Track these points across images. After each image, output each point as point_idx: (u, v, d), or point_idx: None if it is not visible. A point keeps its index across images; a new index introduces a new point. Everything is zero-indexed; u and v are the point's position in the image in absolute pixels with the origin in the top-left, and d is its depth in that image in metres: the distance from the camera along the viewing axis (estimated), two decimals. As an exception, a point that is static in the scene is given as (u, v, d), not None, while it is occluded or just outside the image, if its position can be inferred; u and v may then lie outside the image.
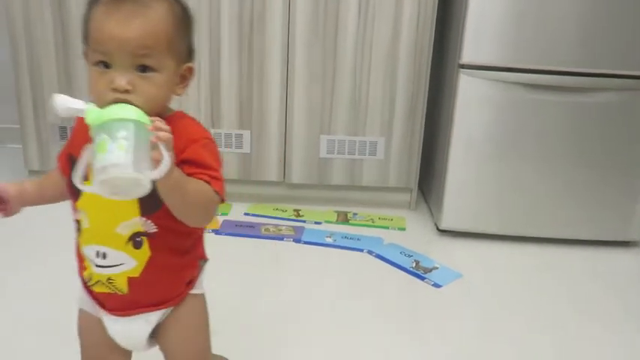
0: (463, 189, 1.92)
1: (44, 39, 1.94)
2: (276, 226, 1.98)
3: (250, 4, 1.91)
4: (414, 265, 1.78)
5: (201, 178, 0.83)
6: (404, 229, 2.02)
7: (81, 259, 0.91)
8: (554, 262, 1.87)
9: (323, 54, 1.97)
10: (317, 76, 1.99)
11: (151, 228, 0.85)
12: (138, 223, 0.84)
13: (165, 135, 0.74)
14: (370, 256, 1.83)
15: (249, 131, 2.05)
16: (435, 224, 2.03)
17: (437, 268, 1.77)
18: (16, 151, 2.45)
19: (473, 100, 1.84)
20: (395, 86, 2.01)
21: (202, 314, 0.98)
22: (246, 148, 2.07)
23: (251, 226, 1.97)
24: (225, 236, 1.88)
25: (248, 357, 1.33)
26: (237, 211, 2.05)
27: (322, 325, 1.48)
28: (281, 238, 1.89)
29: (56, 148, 2.05)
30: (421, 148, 2.09)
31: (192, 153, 0.84)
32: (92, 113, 0.75)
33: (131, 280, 0.87)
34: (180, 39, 0.85)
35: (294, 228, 1.97)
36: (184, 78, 0.88)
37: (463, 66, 1.81)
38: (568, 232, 1.96)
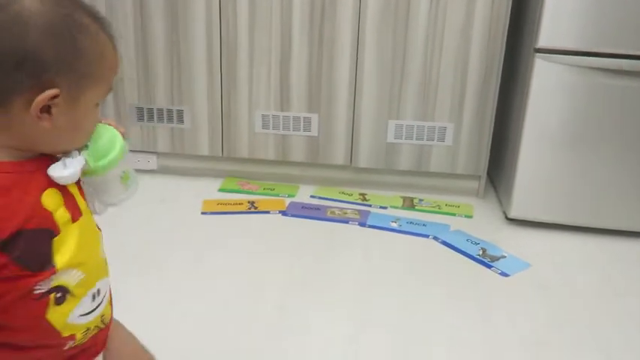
0: (534, 177, 1.87)
1: (124, 22, 2.02)
2: (341, 209, 1.99)
3: (322, -13, 1.92)
4: (480, 252, 1.75)
5: None
6: (471, 217, 1.99)
7: (59, 334, 0.71)
8: (627, 255, 1.79)
9: (393, 38, 1.95)
10: (387, 60, 1.98)
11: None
12: (100, 236, 0.78)
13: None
14: (436, 243, 1.81)
15: (317, 114, 2.06)
16: (504, 212, 1.99)
17: (504, 256, 1.74)
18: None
19: (548, 85, 1.78)
20: (466, 71, 1.97)
21: None
22: (314, 131, 2.09)
23: (317, 208, 1.99)
24: (291, 217, 1.92)
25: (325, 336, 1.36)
26: (303, 194, 2.08)
27: (389, 309, 1.48)
28: (346, 221, 1.91)
29: (134, 128, 2.14)
30: (491, 134, 2.05)
31: None
32: (113, 151, 0.74)
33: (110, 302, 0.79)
34: None
35: (360, 212, 1.98)
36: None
37: (539, 50, 1.76)
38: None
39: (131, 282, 1.44)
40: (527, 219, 1.93)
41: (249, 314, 1.44)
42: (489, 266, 1.68)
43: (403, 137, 2.07)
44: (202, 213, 1.93)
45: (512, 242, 1.83)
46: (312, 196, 2.08)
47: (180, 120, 2.12)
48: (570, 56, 1.74)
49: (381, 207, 2.03)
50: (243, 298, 1.49)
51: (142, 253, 1.67)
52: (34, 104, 0.63)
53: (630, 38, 1.70)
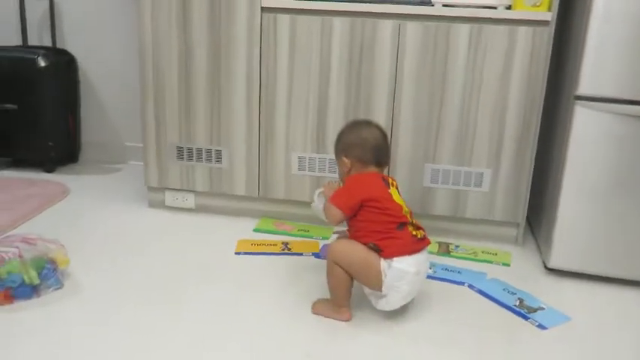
0: (574, 226, 1.82)
1: (169, 64, 2.09)
2: (375, 253, 1.97)
3: (361, 32, 1.95)
4: (517, 303, 1.70)
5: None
6: (508, 265, 1.94)
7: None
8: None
9: (431, 81, 1.96)
10: (424, 104, 1.99)
11: None
12: None
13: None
14: (471, 291, 1.77)
15: (353, 157, 2.07)
16: (543, 262, 1.94)
17: (542, 308, 1.68)
18: (139, 167, 2.66)
19: (588, 133, 1.75)
20: (504, 117, 1.96)
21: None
22: (349, 174, 2.09)
23: (351, 251, 1.97)
24: (324, 260, 1.90)
25: None
26: (337, 236, 2.07)
27: (419, 356, 1.45)
28: (380, 266, 1.88)
29: (173, 166, 2.19)
30: (530, 181, 2.01)
31: None
32: None
33: None
34: None
35: (394, 256, 1.95)
36: None
37: (579, 97, 1.73)
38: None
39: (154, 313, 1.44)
40: (567, 269, 1.87)
41: None
42: (526, 317, 1.63)
43: (439, 181, 2.05)
44: (236, 253, 1.94)
45: (551, 293, 1.78)
46: (346, 239, 2.07)
47: (219, 160, 2.16)
48: (611, 104, 1.71)
49: (416, 252, 2.00)
50: (270, 341, 1.48)
51: (170, 286, 1.69)
52: None
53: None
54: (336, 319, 1.57)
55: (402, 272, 1.49)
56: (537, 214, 2.12)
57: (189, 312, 1.59)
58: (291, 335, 1.51)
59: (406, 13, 1.92)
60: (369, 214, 1.53)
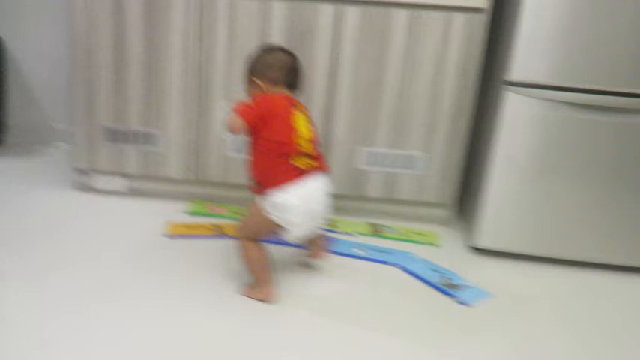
0: (501, 208, 1.88)
1: (102, 43, 2.03)
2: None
3: (300, 17, 1.94)
4: (443, 281, 1.74)
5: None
6: (437, 245, 1.99)
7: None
8: (590, 287, 1.79)
9: (368, 68, 1.97)
10: (361, 89, 2.00)
11: None
12: None
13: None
14: (400, 271, 1.80)
15: (287, 140, 2.07)
16: (471, 242, 1.99)
17: (467, 286, 1.73)
18: (67, 150, 2.57)
19: (517, 117, 1.80)
20: (438, 101, 1.99)
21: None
22: (284, 157, 2.09)
23: (284, 233, 1.98)
24: (258, 242, 1.90)
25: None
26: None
27: (346, 337, 1.47)
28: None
29: (104, 149, 2.14)
30: (461, 164, 2.06)
31: None
32: None
33: None
34: None
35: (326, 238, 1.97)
36: None
37: (510, 83, 1.78)
38: (606, 256, 1.88)
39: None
40: (493, 249, 1.92)
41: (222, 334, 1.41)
42: (451, 295, 1.67)
43: (374, 164, 2.07)
44: (166, 235, 1.92)
45: (476, 272, 1.83)
46: (280, 222, 2.07)
47: (153, 142, 2.12)
48: (540, 90, 1.76)
49: (348, 233, 2.02)
50: (193, 324, 1.47)
51: (95, 270, 1.65)
52: None
53: (596, 74, 1.72)
54: (261, 300, 1.57)
55: (283, 205, 1.49)
56: (466, 195, 2.17)
57: (113, 298, 1.56)
58: (228, 314, 1.50)
59: (344, -3, 1.92)
60: (261, 134, 1.51)
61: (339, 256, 1.86)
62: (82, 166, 2.19)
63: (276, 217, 1.50)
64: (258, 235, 1.57)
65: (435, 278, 1.75)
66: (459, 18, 1.91)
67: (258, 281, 1.59)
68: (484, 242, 1.92)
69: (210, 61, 2.02)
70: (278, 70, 1.60)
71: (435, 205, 2.14)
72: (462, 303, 1.64)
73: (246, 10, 1.96)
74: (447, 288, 1.70)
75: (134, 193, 2.23)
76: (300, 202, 1.49)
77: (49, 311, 1.46)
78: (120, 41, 2.02)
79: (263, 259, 1.57)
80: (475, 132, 2.10)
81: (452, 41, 1.93)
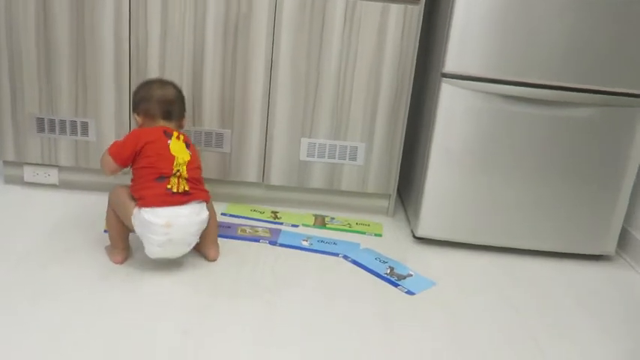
0: (440, 198, 1.93)
1: (25, 26, 1.91)
2: (252, 227, 1.97)
3: (237, 5, 1.91)
4: (388, 271, 1.78)
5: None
6: (381, 235, 2.02)
7: None
8: (527, 274, 1.88)
9: (307, 58, 1.97)
10: (300, 80, 1.99)
11: None
12: None
13: None
14: (345, 261, 1.82)
15: (229, 130, 2.04)
16: (412, 231, 2.04)
17: (411, 275, 1.77)
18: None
19: (454, 109, 1.85)
20: (377, 93, 2.02)
21: None
22: (226, 148, 2.06)
23: (227, 226, 1.95)
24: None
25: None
26: (214, 211, 2.03)
27: (293, 328, 1.47)
28: (257, 240, 1.88)
29: (33, 139, 2.03)
30: (401, 155, 2.10)
31: None
32: None
33: None
34: None
35: (271, 230, 1.96)
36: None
37: (445, 75, 1.82)
38: (543, 244, 1.98)
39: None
40: (434, 238, 1.98)
41: (150, 339, 1.37)
42: (396, 285, 1.71)
43: (316, 155, 2.08)
44: (105, 231, 1.84)
45: (419, 261, 1.88)
46: (223, 214, 2.04)
47: (85, 132, 2.03)
48: (474, 82, 1.81)
49: (293, 225, 2.02)
50: (148, 322, 1.43)
51: (29, 265, 1.57)
52: None
53: (528, 67, 1.79)
54: (111, 260, 1.66)
55: (148, 222, 1.54)
56: (407, 186, 2.22)
57: (47, 296, 1.49)
58: (168, 311, 1.46)
59: (282, -16, 1.90)
60: (138, 164, 1.61)
61: (285, 248, 1.85)
62: (10, 157, 2.06)
63: (138, 230, 1.57)
64: (119, 217, 1.64)
65: (381, 269, 1.78)
66: (395, 9, 1.93)
67: (113, 242, 1.68)
68: (425, 232, 1.97)
69: (143, 45, 1.95)
70: (154, 103, 1.68)
71: (377, 195, 2.17)
72: (408, 293, 1.68)
73: (186, -4, 1.90)
74: (393, 278, 1.74)
75: (67, 185, 2.13)
76: (164, 223, 1.53)
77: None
78: (44, 22, 1.91)
79: (118, 227, 1.64)
80: (416, 124, 2.14)
81: (389, 32, 1.95)
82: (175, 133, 1.66)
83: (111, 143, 1.67)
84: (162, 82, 1.75)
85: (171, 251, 1.60)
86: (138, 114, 1.71)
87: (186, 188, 1.59)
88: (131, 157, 1.62)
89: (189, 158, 1.63)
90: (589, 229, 1.95)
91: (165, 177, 1.58)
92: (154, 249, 1.57)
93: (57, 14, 1.90)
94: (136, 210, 1.58)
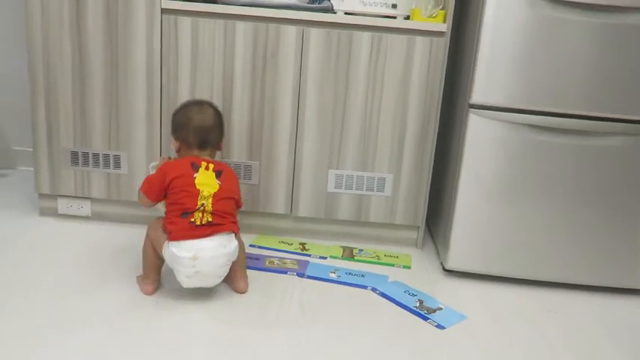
0: (470, 229, 1.91)
1: (61, 64, 1.98)
2: (280, 259, 1.97)
3: (265, 37, 1.95)
4: (417, 304, 1.75)
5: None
6: (409, 268, 2.00)
7: None
8: (559, 308, 1.84)
9: (334, 89, 1.99)
10: (327, 111, 2.01)
11: None
12: None
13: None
14: (374, 294, 1.81)
15: (258, 162, 2.06)
16: (441, 264, 2.02)
17: (441, 308, 1.74)
18: (29, 174, 2.49)
19: (481, 139, 1.84)
20: (405, 123, 2.02)
21: None
22: (254, 180, 2.08)
23: (256, 258, 1.96)
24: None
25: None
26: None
27: (319, 356, 1.46)
28: (285, 272, 1.88)
29: (67, 172, 2.08)
30: (429, 186, 2.09)
31: None
32: None
33: None
34: None
35: (298, 262, 1.96)
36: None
37: (473, 106, 1.82)
38: (574, 277, 1.93)
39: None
40: (464, 270, 1.95)
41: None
42: (426, 318, 1.69)
43: (343, 187, 2.08)
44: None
45: (448, 294, 1.85)
46: (251, 245, 2.05)
47: (117, 165, 2.07)
48: (501, 112, 1.81)
49: (321, 257, 2.02)
50: (175, 352, 1.43)
51: (59, 293, 1.60)
52: None
53: (555, 97, 1.78)
54: (141, 290, 1.69)
55: (175, 256, 1.58)
56: (436, 217, 2.20)
57: (77, 326, 1.50)
58: (192, 343, 1.47)
59: (309, 19, 1.93)
60: (168, 199, 1.65)
61: (313, 280, 1.85)
62: (45, 190, 2.11)
63: (169, 262, 1.62)
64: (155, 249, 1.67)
65: (410, 302, 1.76)
66: (421, 41, 1.94)
67: (145, 272, 1.71)
68: (454, 264, 1.95)
69: (174, 81, 1.99)
70: (191, 132, 1.70)
71: (405, 227, 2.16)
72: (438, 327, 1.65)
73: (208, 28, 1.94)
74: (422, 311, 1.72)
75: (99, 217, 2.17)
76: (191, 256, 1.56)
77: (6, 342, 1.40)
78: (79, 59, 1.98)
79: (153, 259, 1.67)
80: (444, 155, 2.14)
81: (415, 64, 1.97)
82: (204, 164, 1.67)
83: (143, 178, 1.71)
84: (201, 106, 1.76)
85: (201, 282, 1.62)
86: (176, 139, 1.74)
87: (210, 219, 1.61)
88: (162, 193, 1.67)
89: (216, 190, 1.64)
90: (623, 262, 1.90)
91: (189, 212, 1.61)
92: (183, 279, 1.61)
93: (91, 52, 1.96)
94: (165, 243, 1.61)
